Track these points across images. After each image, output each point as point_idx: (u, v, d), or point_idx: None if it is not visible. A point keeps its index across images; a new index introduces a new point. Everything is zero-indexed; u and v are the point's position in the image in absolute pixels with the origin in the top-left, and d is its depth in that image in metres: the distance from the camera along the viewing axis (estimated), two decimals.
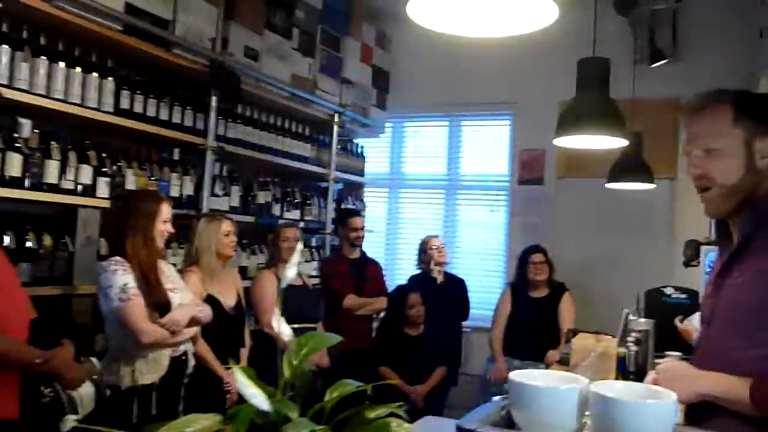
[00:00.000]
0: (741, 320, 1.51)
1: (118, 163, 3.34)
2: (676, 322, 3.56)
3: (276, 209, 4.56)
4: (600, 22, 3.74)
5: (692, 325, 3.43)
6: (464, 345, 5.09)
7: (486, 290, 5.41)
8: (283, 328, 1.07)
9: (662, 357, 2.73)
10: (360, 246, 4.72)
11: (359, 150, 5.69)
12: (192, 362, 3.05)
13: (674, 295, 4.03)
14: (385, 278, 4.83)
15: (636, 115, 4.02)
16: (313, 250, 4.98)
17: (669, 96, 4.74)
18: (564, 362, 3.59)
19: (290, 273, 1.08)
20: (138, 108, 3.40)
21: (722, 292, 1.59)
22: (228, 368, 3.31)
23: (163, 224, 2.90)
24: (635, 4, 4.78)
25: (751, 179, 1.53)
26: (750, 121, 1.54)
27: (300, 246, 1.20)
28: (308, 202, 4.94)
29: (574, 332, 3.88)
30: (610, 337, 3.68)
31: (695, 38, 4.98)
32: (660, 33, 5.01)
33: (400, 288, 4.70)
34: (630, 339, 2.88)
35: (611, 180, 4.18)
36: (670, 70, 4.95)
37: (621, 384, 1.30)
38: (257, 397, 0.86)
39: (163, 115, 3.57)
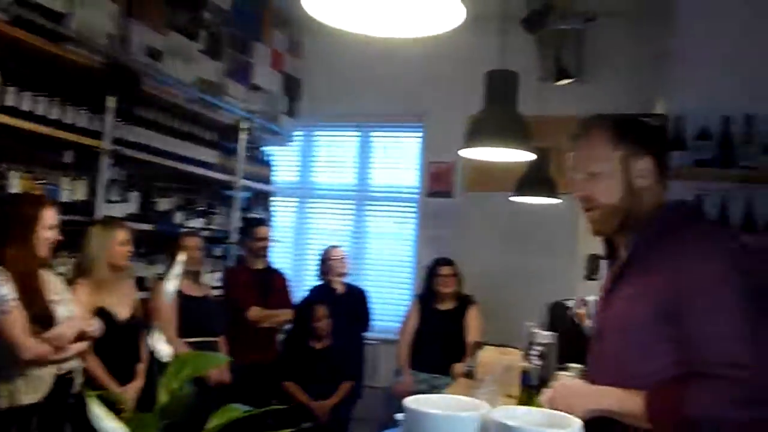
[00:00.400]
0: (633, 333, 1.53)
1: (2, 165, 3.09)
2: (571, 305, 3.65)
3: (178, 217, 4.36)
4: (508, 38, 3.81)
5: (587, 309, 3.50)
6: (371, 357, 5.02)
7: (394, 302, 5.37)
8: (160, 347, 0.95)
9: (565, 369, 2.75)
10: (265, 256, 4.59)
11: (267, 158, 5.56)
12: (79, 380, 2.84)
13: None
14: (291, 290, 4.70)
15: (543, 132, 4.07)
16: (217, 260, 4.80)
17: (574, 114, 4.85)
18: (470, 375, 3.58)
19: (170, 286, 0.97)
20: (26, 106, 3.16)
21: (612, 306, 1.62)
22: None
23: (47, 231, 2.68)
24: (543, 24, 4.88)
25: (631, 198, 1.61)
26: (627, 144, 1.62)
27: (183, 257, 1.09)
28: (213, 210, 4.76)
29: (480, 345, 3.89)
30: (515, 350, 3.71)
31: (600, 59, 5.15)
32: (566, 52, 5.14)
33: (306, 300, 4.59)
34: (533, 352, 2.89)
35: (517, 194, 4.23)
36: (576, 90, 5.10)
37: (523, 410, 1.25)
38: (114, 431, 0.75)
39: (55, 115, 3.33)
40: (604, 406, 1.49)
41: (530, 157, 2.99)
